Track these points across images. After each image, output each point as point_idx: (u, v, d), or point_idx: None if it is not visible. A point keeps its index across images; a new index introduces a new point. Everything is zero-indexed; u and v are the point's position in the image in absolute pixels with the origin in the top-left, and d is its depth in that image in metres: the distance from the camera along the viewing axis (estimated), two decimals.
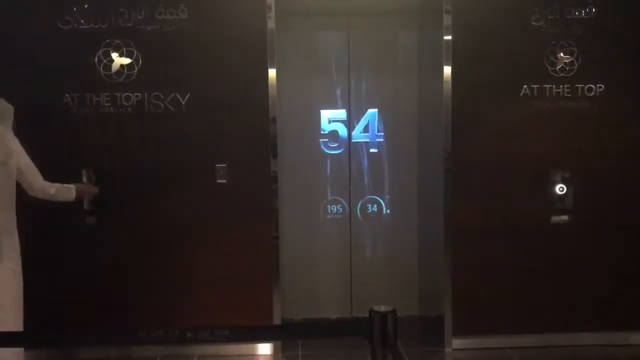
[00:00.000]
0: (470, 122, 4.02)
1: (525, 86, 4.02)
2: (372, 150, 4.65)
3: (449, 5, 3.95)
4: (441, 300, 4.09)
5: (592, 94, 4.03)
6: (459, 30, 3.96)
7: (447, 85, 3.98)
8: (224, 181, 3.96)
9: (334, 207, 4.67)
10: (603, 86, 4.03)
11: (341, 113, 4.62)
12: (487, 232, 4.04)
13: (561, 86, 4.02)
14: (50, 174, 3.85)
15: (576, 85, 4.02)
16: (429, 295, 4.55)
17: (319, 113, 4.62)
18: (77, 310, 3.87)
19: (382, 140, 4.64)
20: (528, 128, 4.03)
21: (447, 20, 3.96)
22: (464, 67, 3.98)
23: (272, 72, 3.94)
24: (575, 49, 4.00)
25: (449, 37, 3.97)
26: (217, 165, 3.96)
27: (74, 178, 3.83)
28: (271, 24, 3.92)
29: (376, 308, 1.88)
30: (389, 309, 1.88)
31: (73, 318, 3.85)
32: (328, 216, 4.68)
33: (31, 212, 3.83)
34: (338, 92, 4.64)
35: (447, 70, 3.97)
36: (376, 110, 4.63)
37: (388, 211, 4.69)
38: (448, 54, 3.97)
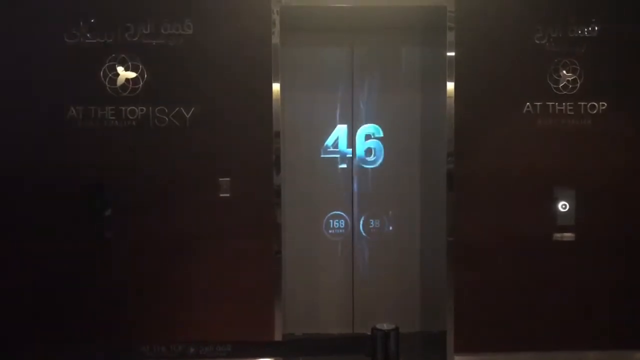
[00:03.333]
0: (472, 138, 4.03)
1: (528, 103, 4.03)
2: (374, 165, 4.66)
3: (453, 22, 3.99)
4: (443, 317, 4.08)
5: (595, 112, 4.05)
6: (462, 47, 3.99)
7: (450, 102, 4.00)
8: (227, 195, 3.97)
9: (336, 223, 4.67)
10: (606, 104, 4.04)
11: (344, 128, 4.64)
12: (489, 249, 4.04)
13: (564, 104, 4.03)
14: (54, 187, 3.89)
15: (579, 103, 4.04)
16: (431, 311, 4.54)
17: (322, 128, 4.63)
18: (75, 326, 3.87)
19: (384, 155, 4.65)
20: (531, 145, 4.04)
21: (451, 36, 3.99)
22: (466, 83, 4.00)
23: (276, 87, 3.96)
24: (579, 67, 4.02)
25: (452, 54, 3.99)
26: (220, 179, 3.97)
27: (77, 192, 3.87)
28: (275, 39, 3.95)
29: (379, 326, 1.88)
30: (392, 326, 1.88)
31: (71, 334, 3.85)
32: (330, 231, 4.68)
33: (29, 227, 3.89)
34: (341, 107, 4.66)
35: (450, 86, 3.99)
36: (379, 125, 4.65)
37: (390, 227, 4.69)
38: (451, 70, 4.00)
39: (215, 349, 1.97)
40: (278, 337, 3.96)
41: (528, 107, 4.03)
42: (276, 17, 3.94)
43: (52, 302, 3.90)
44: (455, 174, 4.02)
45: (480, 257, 4.04)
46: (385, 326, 1.87)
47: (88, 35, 3.88)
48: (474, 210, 4.03)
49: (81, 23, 3.87)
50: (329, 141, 4.64)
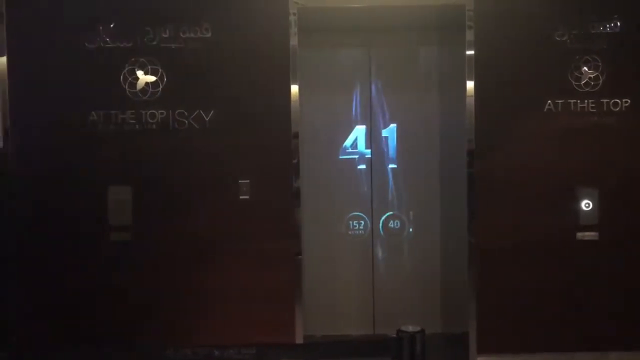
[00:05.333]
0: (493, 137, 3.99)
1: (549, 101, 3.98)
2: (393, 166, 4.64)
3: (471, 20, 3.95)
4: (465, 318, 4.05)
5: (617, 109, 3.99)
6: (482, 46, 3.96)
7: (470, 101, 3.97)
8: (247, 197, 3.97)
9: (356, 223, 4.66)
10: (629, 101, 3.98)
11: (363, 129, 4.62)
12: (511, 249, 3.99)
13: (586, 101, 3.98)
14: (76, 191, 3.93)
15: (601, 100, 3.98)
16: (453, 313, 4.50)
17: (341, 129, 4.62)
18: (99, 328, 3.90)
19: (404, 156, 4.63)
20: (552, 143, 3.99)
21: (470, 35, 3.96)
22: (486, 82, 3.96)
23: (294, 88, 3.96)
24: (600, 64, 3.97)
25: (471, 52, 3.97)
26: (240, 181, 3.98)
27: (98, 195, 3.90)
28: (294, 40, 3.95)
29: (404, 328, 1.86)
30: (417, 329, 1.86)
31: (95, 336, 3.88)
32: (350, 232, 4.66)
33: (54, 228, 3.93)
34: (360, 108, 4.65)
35: (470, 85, 3.96)
36: (398, 125, 4.62)
37: (410, 227, 4.66)
38: (471, 69, 3.96)
39: (240, 351, 1.96)
40: (299, 339, 3.96)
41: (549, 105, 3.98)
42: (294, 19, 3.94)
43: (75, 304, 3.93)
44: (476, 174, 3.98)
45: (502, 257, 4.00)
46: (410, 328, 1.86)
47: (108, 39, 3.91)
48: (494, 209, 3.99)
49: (101, 28, 3.91)
50: (348, 142, 4.63)
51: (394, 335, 1.86)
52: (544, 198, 4.00)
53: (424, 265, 4.65)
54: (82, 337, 3.88)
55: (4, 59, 3.91)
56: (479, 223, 3.99)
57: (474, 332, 4.00)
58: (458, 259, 4.28)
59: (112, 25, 3.91)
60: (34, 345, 3.86)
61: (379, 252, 4.68)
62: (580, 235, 4.00)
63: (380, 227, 4.67)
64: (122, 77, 3.92)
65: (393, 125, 4.63)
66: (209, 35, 3.93)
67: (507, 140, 4.00)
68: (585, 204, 3.97)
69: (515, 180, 4.00)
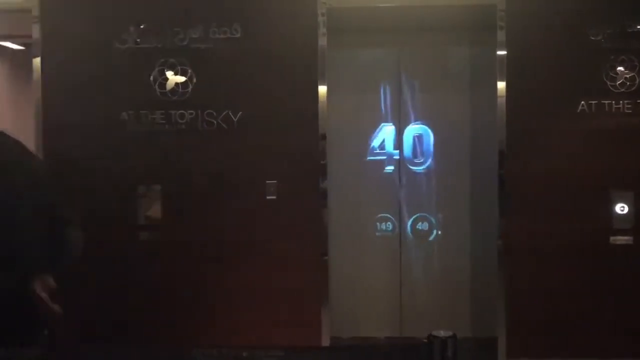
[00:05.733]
0: (525, 139, 3.93)
1: (582, 102, 3.90)
2: (422, 167, 4.59)
3: (503, 20, 3.89)
4: (495, 322, 3.99)
5: None
6: (513, 46, 3.89)
7: (501, 101, 3.91)
8: (274, 197, 3.97)
9: (383, 225, 4.62)
10: None
11: (391, 130, 4.59)
12: (542, 253, 3.92)
13: (621, 102, 3.89)
14: (106, 190, 3.97)
15: (638, 100, 3.88)
16: (481, 316, 4.44)
17: (368, 130, 4.59)
18: (126, 327, 3.91)
19: (432, 157, 4.58)
20: (586, 145, 3.91)
21: (501, 35, 3.91)
22: (518, 82, 3.90)
23: (322, 89, 3.95)
24: (637, 64, 3.87)
25: (503, 53, 3.90)
26: (268, 181, 3.98)
27: (127, 195, 3.94)
28: (322, 41, 3.94)
29: (435, 333, 1.83)
30: (449, 334, 1.83)
31: (122, 335, 3.89)
32: (377, 234, 4.63)
33: (84, 227, 3.96)
34: (388, 108, 4.61)
35: (501, 85, 3.91)
36: (427, 126, 4.58)
37: (439, 230, 4.61)
38: (502, 70, 3.91)
39: (268, 354, 1.95)
40: (325, 340, 3.94)
41: (583, 105, 3.90)
42: (322, 19, 3.92)
43: (105, 302, 3.97)
44: (507, 175, 3.92)
45: (533, 260, 3.93)
46: (442, 333, 1.82)
47: (138, 40, 3.95)
48: (526, 212, 3.92)
49: (131, 29, 3.94)
50: (376, 143, 4.60)
51: (425, 340, 1.82)
52: (577, 200, 3.91)
53: (452, 267, 4.59)
54: (106, 335, 3.90)
55: (38, 60, 3.98)
56: (510, 225, 3.92)
57: (503, 337, 3.94)
58: (487, 262, 4.22)
59: (142, 26, 3.94)
60: (65, 341, 3.91)
61: (407, 254, 4.63)
62: (613, 239, 3.90)
63: (409, 229, 4.63)
64: (152, 77, 3.95)
65: (422, 126, 4.59)
66: (238, 35, 3.94)
67: (539, 142, 3.93)
68: (620, 207, 3.87)
69: (547, 182, 3.92)
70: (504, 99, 3.90)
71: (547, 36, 3.90)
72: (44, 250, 2.08)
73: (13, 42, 4.88)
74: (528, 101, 3.91)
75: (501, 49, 3.91)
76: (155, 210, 3.94)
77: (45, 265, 2.04)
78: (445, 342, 1.79)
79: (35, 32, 3.98)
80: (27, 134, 3.63)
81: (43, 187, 2.16)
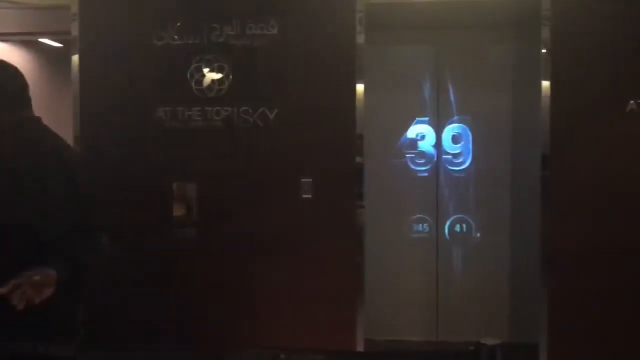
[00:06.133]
0: (570, 139, 3.79)
1: (632, 102, 3.74)
2: (461, 167, 4.49)
3: (547, 17, 3.76)
4: (535, 327, 3.86)
5: None
6: (559, 43, 3.76)
7: (546, 101, 3.78)
8: (309, 196, 3.92)
9: (420, 226, 4.53)
10: None
11: (429, 129, 4.49)
12: (587, 256, 3.78)
13: None
14: (142, 187, 3.97)
15: None
16: (521, 321, 4.32)
17: (406, 128, 4.51)
18: (157, 328, 3.89)
19: (472, 157, 4.47)
20: (634, 147, 3.76)
21: (546, 32, 3.78)
22: (563, 81, 3.77)
23: (359, 87, 3.88)
24: None
25: (546, 51, 3.78)
26: (303, 179, 3.92)
27: (163, 191, 3.93)
28: (360, 38, 3.87)
29: (483, 340, 1.75)
30: (497, 341, 1.75)
31: (154, 338, 3.87)
32: (413, 235, 4.54)
33: (119, 225, 3.96)
34: (426, 107, 4.52)
35: (546, 84, 3.78)
36: (466, 126, 4.47)
37: (477, 232, 4.49)
38: (546, 69, 3.78)
39: (307, 357, 1.90)
40: (360, 342, 3.88)
41: (632, 105, 3.74)
42: (360, 16, 3.85)
43: (138, 303, 3.96)
44: (550, 178, 3.79)
45: (576, 265, 3.79)
46: (490, 341, 1.75)
47: (175, 37, 3.94)
48: (569, 216, 3.79)
49: (168, 25, 3.94)
50: (413, 141, 4.51)
51: (471, 348, 1.75)
52: (623, 203, 3.77)
53: (490, 271, 4.47)
54: (141, 336, 3.89)
55: (76, 57, 4.00)
56: (552, 227, 3.80)
57: (544, 343, 3.81)
58: (527, 266, 4.10)
59: (179, 23, 3.93)
60: (97, 343, 3.93)
61: (444, 256, 4.54)
62: None
63: (446, 231, 4.53)
64: (189, 74, 3.94)
65: (461, 125, 4.48)
66: (275, 32, 3.90)
67: (584, 142, 3.79)
68: None
69: (592, 184, 3.78)
70: (548, 98, 3.77)
71: (594, 32, 3.76)
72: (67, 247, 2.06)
73: (52, 39, 4.92)
74: (573, 100, 3.78)
75: (545, 47, 3.78)
76: (190, 208, 3.92)
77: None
78: (494, 350, 1.72)
79: (74, 29, 4.00)
80: (64, 131, 3.64)
81: (79, 180, 2.15)
